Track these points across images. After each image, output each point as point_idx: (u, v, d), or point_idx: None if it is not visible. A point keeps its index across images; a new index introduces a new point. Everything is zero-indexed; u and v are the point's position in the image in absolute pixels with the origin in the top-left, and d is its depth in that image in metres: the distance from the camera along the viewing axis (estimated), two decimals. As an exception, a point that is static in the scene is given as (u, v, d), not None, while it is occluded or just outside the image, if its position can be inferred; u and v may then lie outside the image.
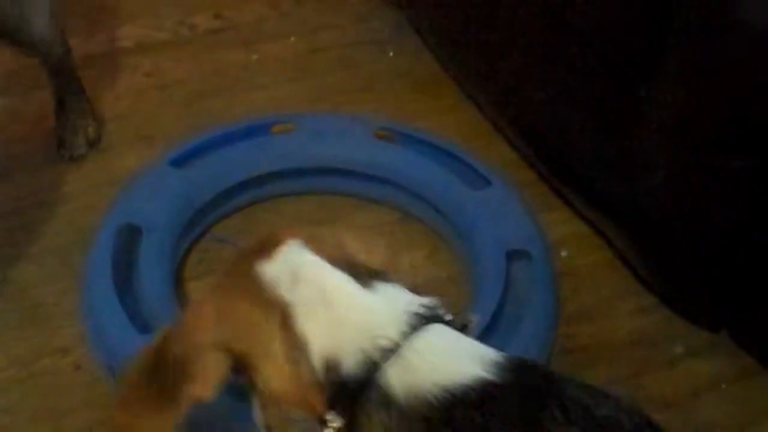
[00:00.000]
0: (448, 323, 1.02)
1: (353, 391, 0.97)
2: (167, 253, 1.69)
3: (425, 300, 1.03)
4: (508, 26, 1.90)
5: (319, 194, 1.94)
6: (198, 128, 1.90)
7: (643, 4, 1.55)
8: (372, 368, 0.97)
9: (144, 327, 1.54)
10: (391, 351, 0.97)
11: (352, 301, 1.01)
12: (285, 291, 1.01)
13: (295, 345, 0.99)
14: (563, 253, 1.85)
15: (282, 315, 1.00)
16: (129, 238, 1.68)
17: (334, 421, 0.99)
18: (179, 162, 1.82)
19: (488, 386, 0.95)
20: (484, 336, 1.49)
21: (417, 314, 1.00)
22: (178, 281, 1.75)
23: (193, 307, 1.13)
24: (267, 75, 2.22)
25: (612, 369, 1.67)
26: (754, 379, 1.67)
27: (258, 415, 1.11)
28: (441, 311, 1.03)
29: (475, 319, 1.10)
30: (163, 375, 1.04)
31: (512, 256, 1.70)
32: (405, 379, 0.96)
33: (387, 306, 1.01)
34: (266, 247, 1.05)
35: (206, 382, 1.02)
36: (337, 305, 1.00)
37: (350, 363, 0.98)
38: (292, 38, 2.34)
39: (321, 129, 1.91)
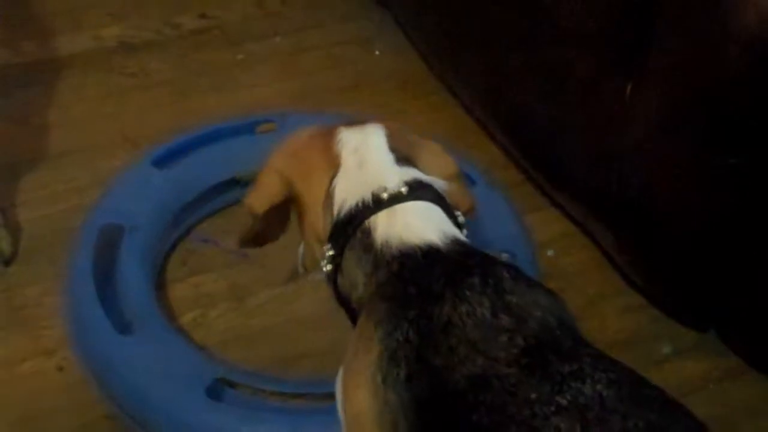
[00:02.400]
0: (445, 207, 1.17)
1: (344, 227, 1.16)
2: (149, 253, 1.68)
3: (438, 183, 1.20)
4: (493, 24, 1.90)
5: None
6: (183, 128, 1.89)
7: (629, 1, 1.54)
8: (362, 212, 1.15)
9: (124, 327, 1.53)
10: (382, 203, 1.15)
11: (377, 167, 1.19)
12: (346, 154, 1.20)
13: (328, 194, 1.19)
14: (549, 253, 1.85)
15: (334, 170, 1.20)
16: (111, 237, 1.67)
17: (330, 251, 1.17)
18: (162, 162, 1.80)
19: (433, 250, 1.11)
20: None
21: (421, 187, 1.17)
22: (160, 282, 1.74)
23: (285, 140, 1.29)
24: (253, 74, 2.22)
25: (599, 369, 1.67)
26: (742, 379, 1.67)
27: (299, 254, 1.32)
28: (445, 199, 1.19)
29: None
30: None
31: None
32: (384, 229, 1.14)
33: (400, 175, 1.18)
34: (358, 122, 1.25)
35: (260, 196, 1.24)
36: (365, 169, 1.19)
37: (350, 206, 1.16)
38: (278, 38, 2.33)
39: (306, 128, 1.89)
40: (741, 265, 1.58)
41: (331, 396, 1.48)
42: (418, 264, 1.10)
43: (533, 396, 0.96)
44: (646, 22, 1.50)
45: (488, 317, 1.03)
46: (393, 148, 1.22)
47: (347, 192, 1.18)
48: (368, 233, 1.14)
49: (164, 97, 2.13)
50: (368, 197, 1.16)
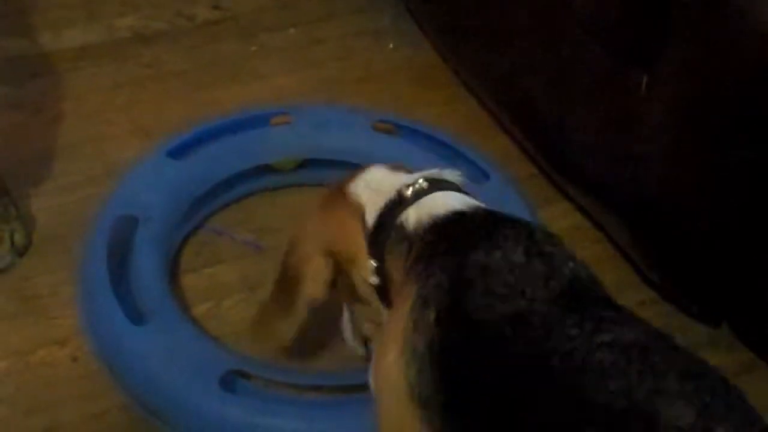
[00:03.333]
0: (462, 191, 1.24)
1: (378, 233, 1.21)
2: (163, 243, 1.68)
3: (451, 175, 1.27)
4: (508, 17, 1.90)
5: (317, 186, 1.93)
6: (197, 119, 1.89)
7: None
8: (392, 212, 1.20)
9: (138, 317, 1.54)
10: (406, 200, 1.21)
11: (391, 182, 1.25)
12: (362, 193, 1.26)
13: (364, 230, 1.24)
14: (563, 247, 1.84)
15: (360, 212, 1.25)
16: (125, 228, 1.67)
17: (373, 263, 1.21)
18: (177, 153, 1.80)
19: (458, 213, 1.18)
20: None
21: (441, 180, 1.24)
22: (174, 272, 1.74)
23: (299, 223, 1.34)
24: (266, 66, 2.21)
25: (611, 363, 1.67)
26: (755, 374, 1.66)
27: (350, 329, 1.41)
28: (461, 185, 1.26)
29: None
30: (285, 284, 1.32)
31: None
32: (414, 216, 1.19)
33: (416, 176, 1.25)
34: (355, 173, 1.31)
35: (316, 282, 1.27)
36: (382, 189, 1.25)
37: (378, 213, 1.22)
38: (292, 29, 2.33)
39: (320, 120, 1.90)
40: (754, 260, 1.58)
41: (345, 388, 1.50)
42: (447, 226, 1.16)
43: (574, 332, 0.98)
44: (663, 15, 1.49)
45: (523, 262, 1.06)
46: (395, 168, 1.30)
47: (373, 209, 1.24)
48: (401, 226, 1.19)
49: (178, 88, 2.13)
50: (394, 196, 1.22)
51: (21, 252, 1.76)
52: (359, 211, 1.25)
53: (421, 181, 1.23)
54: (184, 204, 1.76)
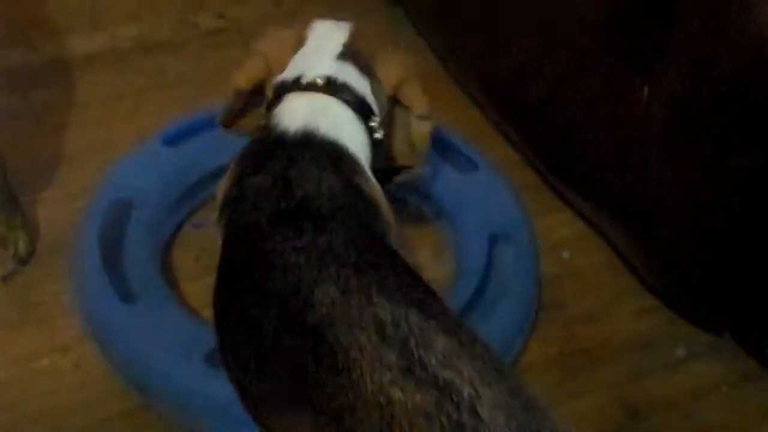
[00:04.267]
0: (360, 111, 1.33)
1: (276, 97, 1.32)
2: (156, 226, 1.72)
3: (366, 90, 1.35)
4: (508, 24, 1.90)
5: None
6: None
7: (645, 5, 1.54)
8: (287, 88, 1.32)
9: (128, 296, 1.57)
10: (300, 86, 1.32)
11: (320, 55, 1.36)
12: (310, 38, 1.39)
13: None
14: (564, 255, 1.85)
15: (299, 47, 1.38)
16: (119, 211, 1.70)
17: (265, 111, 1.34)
18: (172, 141, 1.83)
19: (291, 136, 1.27)
20: (464, 314, 1.60)
21: (340, 86, 1.32)
22: (166, 253, 1.77)
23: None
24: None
25: (614, 371, 1.68)
26: (756, 382, 1.67)
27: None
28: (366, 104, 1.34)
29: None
30: None
31: (495, 238, 1.73)
32: (288, 106, 1.30)
33: (330, 69, 1.33)
34: (333, 20, 1.44)
35: (245, 73, 1.38)
36: (313, 54, 1.36)
37: (283, 80, 1.33)
38: (294, 37, 2.33)
39: None
40: (757, 268, 1.58)
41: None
42: (275, 142, 1.26)
43: (278, 238, 1.14)
44: (664, 21, 1.50)
45: (267, 186, 1.20)
46: (350, 47, 1.37)
47: (291, 68, 1.35)
48: (281, 105, 1.30)
49: (182, 97, 2.13)
50: (294, 77, 1.33)
51: (24, 260, 1.77)
52: (298, 46, 1.38)
53: (320, 80, 1.32)
54: (178, 190, 1.79)
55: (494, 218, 1.77)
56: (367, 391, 1.00)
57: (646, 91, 1.57)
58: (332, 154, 1.25)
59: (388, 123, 1.40)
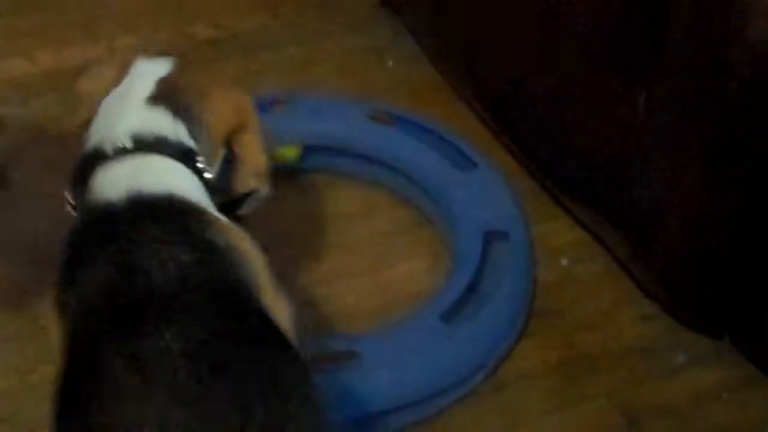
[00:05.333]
0: (187, 161, 1.20)
1: (83, 169, 1.20)
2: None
3: (183, 135, 1.21)
4: (507, 35, 1.90)
5: (308, 172, 1.97)
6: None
7: (641, 7, 1.54)
8: (94, 161, 1.18)
9: None
10: (107, 157, 1.18)
11: (127, 105, 1.23)
12: (126, 79, 1.26)
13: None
14: (563, 262, 1.85)
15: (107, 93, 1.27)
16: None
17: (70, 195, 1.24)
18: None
19: (116, 207, 1.13)
20: (457, 309, 1.63)
21: (154, 141, 1.19)
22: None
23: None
24: (266, 84, 2.21)
25: (614, 377, 1.67)
26: (757, 388, 1.66)
27: None
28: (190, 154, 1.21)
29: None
30: None
31: (490, 236, 1.74)
32: (105, 185, 1.16)
33: (138, 122, 1.21)
34: (164, 55, 1.31)
35: (73, 119, 1.29)
36: (120, 103, 1.24)
37: (89, 149, 1.21)
38: (291, 48, 2.34)
39: (314, 108, 1.95)
40: (756, 273, 1.58)
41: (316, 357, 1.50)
42: (100, 218, 1.14)
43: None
44: (661, 31, 1.50)
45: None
46: (166, 86, 1.24)
47: (96, 128, 1.23)
48: (96, 180, 1.18)
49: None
50: (100, 145, 1.19)
51: None
52: (108, 90, 1.27)
53: (127, 142, 1.19)
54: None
55: (490, 216, 1.79)
56: None
57: (643, 97, 1.57)
58: (172, 212, 1.13)
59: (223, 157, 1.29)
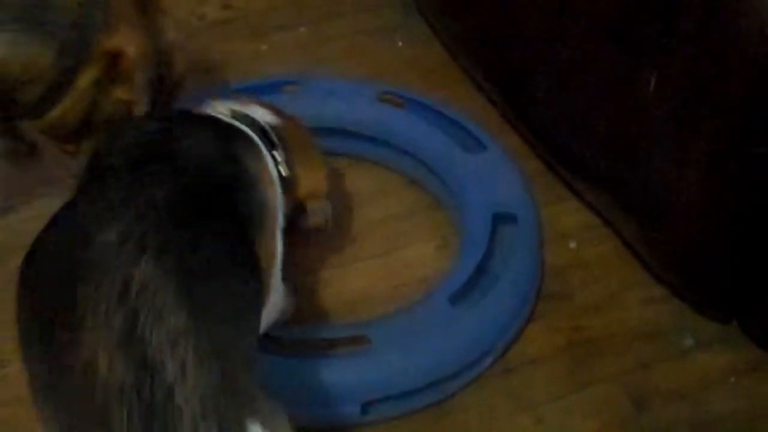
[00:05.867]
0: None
1: None
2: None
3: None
4: (517, 15, 1.89)
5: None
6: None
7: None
8: None
9: None
10: None
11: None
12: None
13: None
14: (572, 245, 1.85)
15: None
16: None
17: None
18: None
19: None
20: (466, 290, 1.64)
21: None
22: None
23: None
24: (277, 65, 2.21)
25: (621, 361, 1.68)
26: (765, 371, 1.66)
27: None
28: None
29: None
30: None
31: (499, 217, 1.75)
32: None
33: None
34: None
35: None
36: None
37: None
38: (302, 28, 2.33)
39: (326, 90, 1.95)
40: (764, 257, 1.58)
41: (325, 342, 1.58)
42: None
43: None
44: (671, 12, 1.49)
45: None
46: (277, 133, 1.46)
47: None
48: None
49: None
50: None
51: None
52: None
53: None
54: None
55: (499, 198, 1.79)
56: (83, 351, 0.97)
57: (653, 80, 1.57)
58: (241, 134, 1.41)
59: None
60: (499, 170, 1.85)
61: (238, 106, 1.47)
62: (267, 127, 1.45)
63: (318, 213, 1.55)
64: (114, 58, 1.48)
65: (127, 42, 1.50)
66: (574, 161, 1.87)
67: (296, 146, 1.48)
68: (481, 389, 1.62)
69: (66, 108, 1.46)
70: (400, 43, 2.28)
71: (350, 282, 1.77)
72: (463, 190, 1.82)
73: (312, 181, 1.51)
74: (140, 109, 1.55)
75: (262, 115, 1.48)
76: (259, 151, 1.38)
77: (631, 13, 1.60)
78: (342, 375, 1.52)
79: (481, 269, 1.67)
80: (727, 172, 1.53)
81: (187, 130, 1.29)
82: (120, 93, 1.51)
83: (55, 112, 1.45)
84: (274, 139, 1.44)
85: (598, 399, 1.62)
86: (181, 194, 1.14)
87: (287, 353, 1.54)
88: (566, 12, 1.75)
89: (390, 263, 1.82)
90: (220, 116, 1.41)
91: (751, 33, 1.38)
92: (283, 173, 1.42)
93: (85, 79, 1.45)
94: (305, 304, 1.70)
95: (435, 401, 1.59)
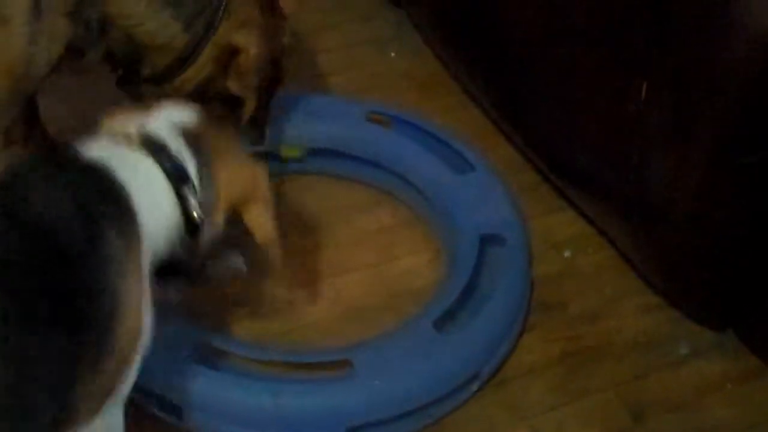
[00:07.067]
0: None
1: None
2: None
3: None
4: (509, 27, 1.90)
5: (308, 173, 1.97)
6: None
7: (642, 2, 1.54)
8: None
9: None
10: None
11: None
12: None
13: None
14: (566, 254, 1.85)
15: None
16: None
17: None
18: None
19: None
20: (452, 314, 1.61)
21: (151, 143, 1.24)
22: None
23: None
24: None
25: (617, 370, 1.67)
26: (760, 380, 1.66)
27: None
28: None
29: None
30: None
31: (487, 239, 1.73)
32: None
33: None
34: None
35: None
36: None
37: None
38: (294, 40, 2.33)
39: (314, 110, 1.93)
40: (759, 265, 1.58)
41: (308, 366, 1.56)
42: None
43: None
44: (662, 20, 1.49)
45: None
46: (192, 136, 1.27)
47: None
48: None
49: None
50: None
51: None
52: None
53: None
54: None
55: (487, 219, 1.77)
56: None
57: (644, 88, 1.57)
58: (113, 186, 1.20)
59: None
60: (487, 191, 1.83)
61: (148, 122, 1.27)
62: (178, 146, 1.25)
63: (225, 263, 1.35)
64: (233, 52, 1.58)
65: (251, 43, 1.59)
66: (567, 170, 1.87)
67: (216, 148, 1.28)
68: (477, 400, 1.61)
69: (187, 78, 1.58)
70: (393, 54, 2.28)
71: (344, 291, 1.77)
72: (451, 212, 1.80)
73: (240, 182, 1.30)
74: (250, 107, 1.64)
75: (178, 117, 1.29)
76: (131, 223, 1.17)
77: (621, 22, 1.60)
78: (324, 399, 1.51)
79: (468, 291, 1.65)
80: (720, 181, 1.53)
81: (44, 187, 1.15)
82: (232, 85, 1.61)
83: (177, 81, 1.58)
84: (188, 167, 1.24)
85: (594, 409, 1.62)
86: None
87: (270, 376, 1.53)
88: (558, 23, 1.75)
89: (382, 275, 1.81)
90: (103, 163, 1.19)
91: (740, 44, 1.38)
92: (196, 217, 1.24)
93: (206, 56, 1.56)
94: (297, 315, 1.70)
95: (421, 427, 1.58)
